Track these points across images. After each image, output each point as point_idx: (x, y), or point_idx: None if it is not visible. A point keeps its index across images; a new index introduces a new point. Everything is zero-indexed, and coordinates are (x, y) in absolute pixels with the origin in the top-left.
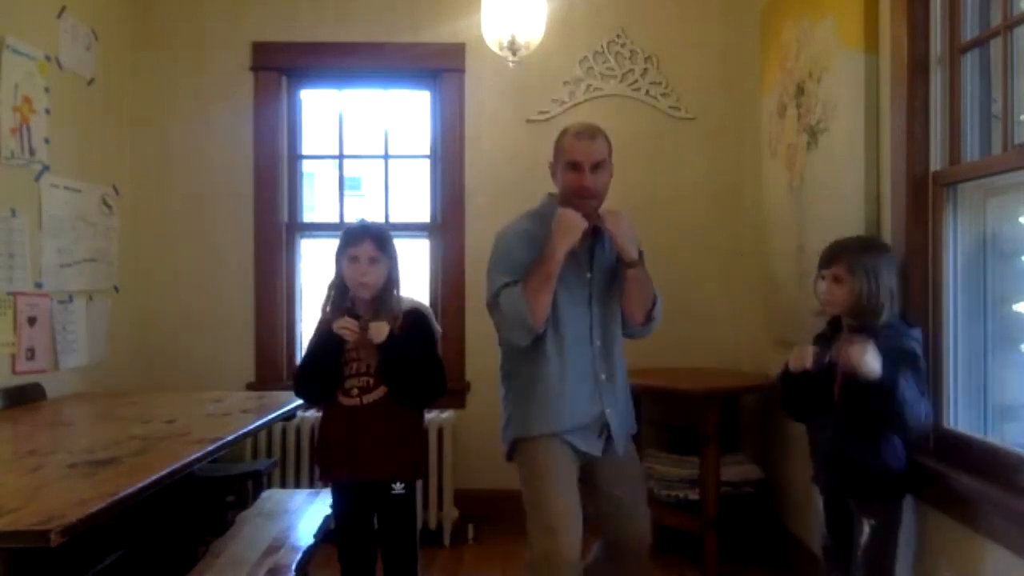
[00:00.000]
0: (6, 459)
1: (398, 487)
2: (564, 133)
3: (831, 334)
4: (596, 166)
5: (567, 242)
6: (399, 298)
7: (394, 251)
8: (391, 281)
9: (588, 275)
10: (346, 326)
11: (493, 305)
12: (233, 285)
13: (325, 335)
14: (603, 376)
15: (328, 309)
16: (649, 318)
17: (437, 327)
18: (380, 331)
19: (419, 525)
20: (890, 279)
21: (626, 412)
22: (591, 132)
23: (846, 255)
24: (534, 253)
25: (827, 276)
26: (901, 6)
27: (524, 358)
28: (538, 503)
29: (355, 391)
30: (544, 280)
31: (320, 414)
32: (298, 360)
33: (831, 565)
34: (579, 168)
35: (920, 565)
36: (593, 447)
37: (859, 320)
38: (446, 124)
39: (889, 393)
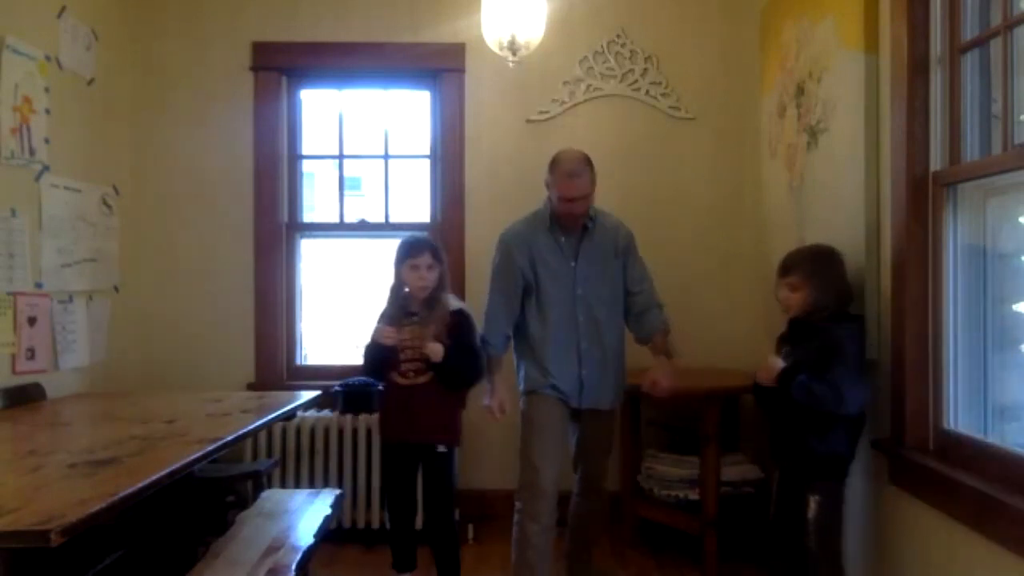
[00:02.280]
0: (6, 459)
1: (441, 447)
2: (557, 165)
3: (790, 334)
4: (579, 199)
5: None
6: (447, 298)
7: (445, 259)
8: (442, 283)
9: (573, 264)
10: (388, 335)
11: (485, 308)
12: (233, 285)
13: (377, 348)
14: (584, 345)
15: (389, 305)
16: None
17: (475, 322)
18: (436, 352)
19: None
20: (838, 282)
21: (605, 371)
22: (579, 171)
23: (800, 266)
24: (526, 254)
25: (785, 285)
26: (901, 6)
27: (522, 329)
28: (527, 445)
29: (410, 373)
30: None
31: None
32: (298, 360)
33: (779, 535)
34: (570, 201)
35: (920, 566)
36: (574, 400)
37: (811, 318)
38: (446, 124)
39: (795, 385)
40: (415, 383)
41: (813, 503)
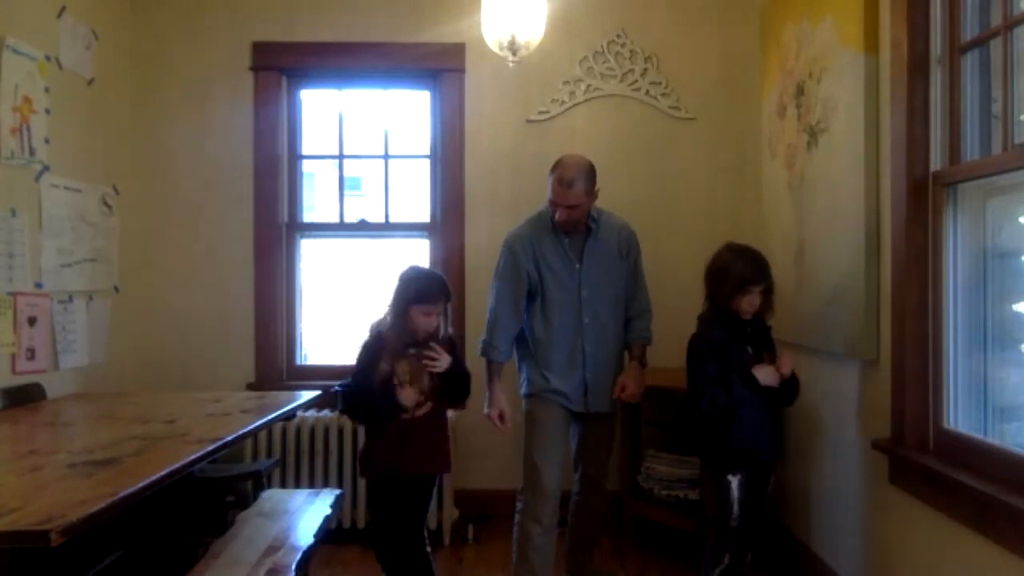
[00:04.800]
0: (6, 459)
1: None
2: (555, 169)
3: (727, 335)
4: (571, 207)
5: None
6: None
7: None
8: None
9: (577, 266)
10: (411, 399)
11: (489, 313)
12: (233, 285)
13: (391, 402)
14: (589, 348)
15: (385, 332)
16: None
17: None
18: (444, 360)
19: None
20: None
21: (608, 373)
22: (569, 181)
23: (769, 273)
24: (531, 256)
25: (756, 291)
26: (901, 6)
27: (525, 332)
28: (529, 447)
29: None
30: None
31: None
32: (298, 360)
33: (737, 536)
34: (557, 206)
35: (920, 566)
36: (577, 404)
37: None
38: (446, 124)
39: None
40: (415, 415)
41: (773, 480)
